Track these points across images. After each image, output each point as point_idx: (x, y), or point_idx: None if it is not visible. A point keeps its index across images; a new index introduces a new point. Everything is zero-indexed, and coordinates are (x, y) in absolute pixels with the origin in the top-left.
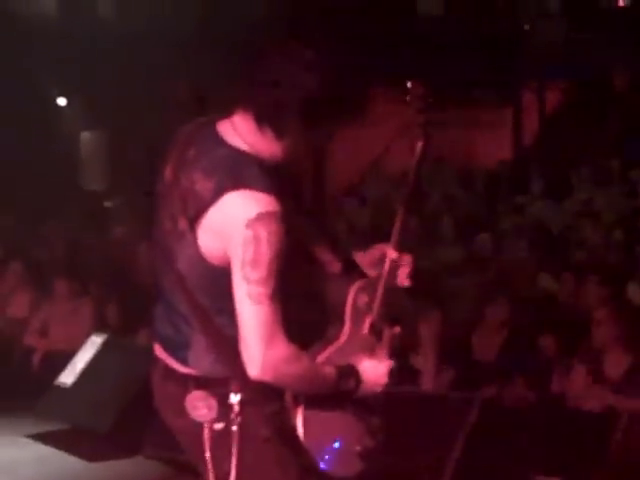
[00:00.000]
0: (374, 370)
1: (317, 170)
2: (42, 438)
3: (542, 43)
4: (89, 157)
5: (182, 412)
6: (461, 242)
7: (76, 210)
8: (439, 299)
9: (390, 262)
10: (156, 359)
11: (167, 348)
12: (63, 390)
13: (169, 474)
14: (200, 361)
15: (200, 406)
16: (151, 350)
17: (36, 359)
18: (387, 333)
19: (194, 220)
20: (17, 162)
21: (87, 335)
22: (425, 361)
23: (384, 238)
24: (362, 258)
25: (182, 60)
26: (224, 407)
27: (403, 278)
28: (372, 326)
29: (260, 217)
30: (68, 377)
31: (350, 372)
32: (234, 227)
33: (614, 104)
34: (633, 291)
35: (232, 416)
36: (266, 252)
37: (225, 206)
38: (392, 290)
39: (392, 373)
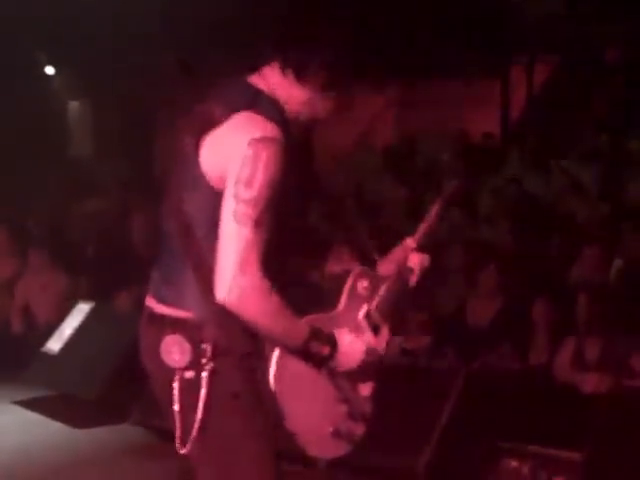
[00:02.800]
0: (352, 345)
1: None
2: (29, 405)
3: (532, 17)
4: (77, 125)
5: (157, 357)
6: (448, 216)
7: (63, 178)
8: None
9: (408, 251)
10: (144, 309)
11: (152, 292)
12: (50, 357)
13: (155, 441)
14: (179, 299)
15: (174, 350)
16: (138, 317)
17: (15, 326)
18: (383, 331)
19: (199, 137)
20: (4, 131)
21: (72, 302)
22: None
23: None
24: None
25: (168, 28)
26: (197, 354)
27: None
28: (368, 315)
29: (264, 139)
30: (55, 344)
31: (326, 339)
32: (237, 144)
33: (604, 80)
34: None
35: (203, 362)
36: (262, 174)
37: (232, 124)
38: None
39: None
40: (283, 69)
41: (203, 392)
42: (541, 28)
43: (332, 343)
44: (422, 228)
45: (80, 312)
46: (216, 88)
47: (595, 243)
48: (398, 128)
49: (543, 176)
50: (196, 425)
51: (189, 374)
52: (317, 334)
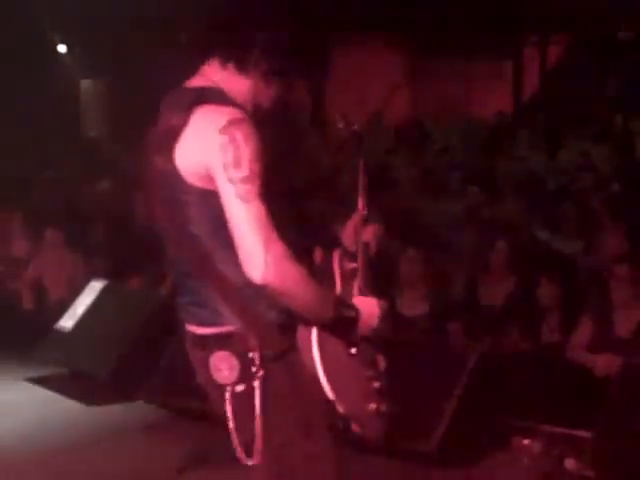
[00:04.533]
0: (367, 304)
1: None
2: (42, 382)
3: None
4: (89, 104)
5: (208, 376)
6: (459, 195)
7: (75, 157)
8: (438, 250)
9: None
10: (186, 333)
11: (189, 316)
12: (63, 335)
13: (166, 419)
14: (216, 318)
15: (223, 367)
16: (150, 296)
17: (27, 302)
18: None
19: (170, 151)
20: (17, 109)
21: (86, 281)
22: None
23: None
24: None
25: (181, 9)
26: (245, 365)
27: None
28: (360, 290)
29: (231, 122)
30: (68, 322)
31: (347, 303)
32: (208, 138)
33: (616, 58)
34: None
35: (253, 370)
36: (245, 152)
37: (195, 123)
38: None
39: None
40: (223, 64)
41: (257, 402)
42: (554, 5)
43: (353, 306)
44: (361, 200)
45: (93, 290)
46: (164, 100)
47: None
48: (411, 106)
49: (554, 155)
50: (258, 435)
51: (240, 387)
52: (341, 299)
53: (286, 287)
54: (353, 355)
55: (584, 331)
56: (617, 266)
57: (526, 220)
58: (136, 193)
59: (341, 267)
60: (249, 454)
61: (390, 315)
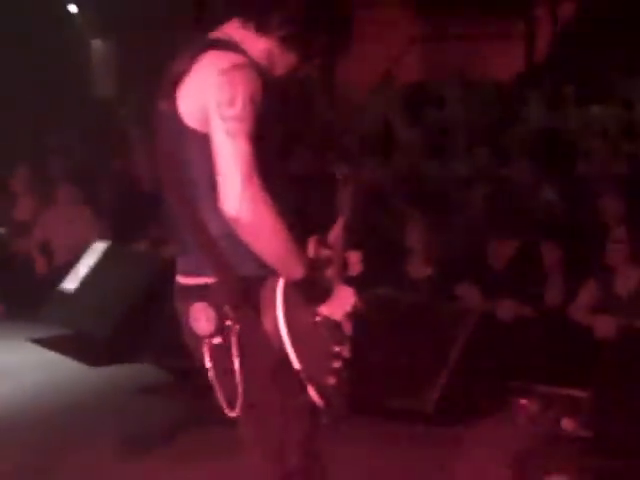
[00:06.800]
0: (343, 290)
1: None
2: (44, 343)
3: None
4: (100, 64)
5: (188, 328)
6: (470, 154)
7: (87, 117)
8: (447, 211)
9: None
10: (175, 284)
11: (178, 267)
12: (66, 295)
13: (168, 380)
14: (197, 268)
15: (200, 318)
16: (152, 257)
17: (39, 265)
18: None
19: (173, 91)
20: (28, 69)
21: (89, 242)
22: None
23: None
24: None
25: None
26: (221, 318)
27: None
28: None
29: (234, 66)
30: (71, 283)
31: (321, 271)
32: (209, 79)
33: (628, 18)
34: None
35: (227, 324)
36: (241, 92)
37: (200, 66)
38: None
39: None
40: (244, 23)
41: (235, 354)
42: None
43: (327, 279)
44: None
45: (96, 251)
46: (181, 48)
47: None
48: (422, 65)
49: (565, 116)
50: (239, 388)
51: (217, 340)
52: (315, 264)
53: (257, 226)
54: (317, 323)
55: (586, 293)
56: (617, 228)
57: (533, 182)
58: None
59: (316, 254)
60: (232, 406)
61: (394, 275)
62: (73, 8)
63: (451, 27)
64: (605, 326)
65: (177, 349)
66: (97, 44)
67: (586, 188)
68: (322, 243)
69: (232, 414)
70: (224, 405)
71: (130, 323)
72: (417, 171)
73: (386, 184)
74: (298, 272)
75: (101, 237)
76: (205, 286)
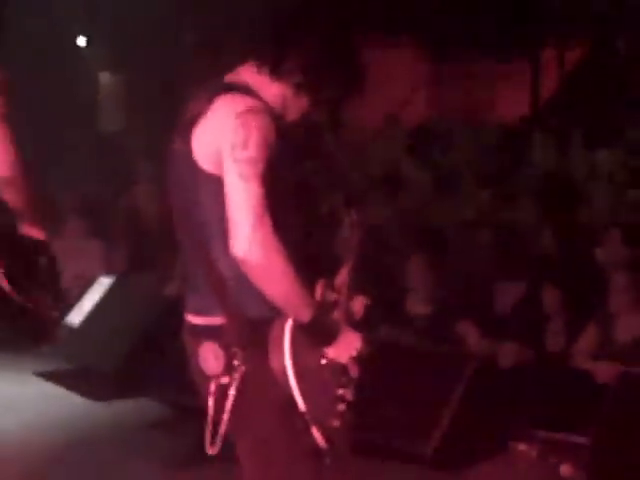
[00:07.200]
0: (349, 334)
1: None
2: (48, 376)
3: None
4: (107, 98)
5: (197, 367)
6: (476, 198)
7: (92, 151)
8: (452, 253)
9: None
10: (184, 322)
11: (187, 305)
12: (70, 330)
13: (172, 416)
14: (207, 308)
15: (209, 357)
16: (158, 292)
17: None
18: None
19: (188, 133)
20: (35, 101)
21: (95, 276)
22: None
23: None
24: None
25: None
26: (229, 358)
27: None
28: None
29: (250, 110)
30: (76, 317)
31: (328, 314)
32: (224, 121)
33: (634, 64)
34: None
35: (235, 364)
36: (255, 136)
37: (215, 109)
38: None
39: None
40: (259, 67)
41: (232, 392)
42: (573, 4)
43: (334, 322)
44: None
45: (101, 285)
46: (195, 90)
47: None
48: (428, 107)
49: (570, 161)
50: (223, 424)
51: (224, 379)
52: (322, 307)
53: (266, 268)
54: (323, 365)
55: (587, 338)
56: (617, 273)
57: (536, 225)
58: (151, 189)
59: (323, 295)
60: (214, 443)
61: (396, 314)
62: (82, 41)
63: (458, 69)
64: (605, 372)
65: (182, 385)
66: (105, 77)
67: (589, 233)
68: (329, 286)
69: (210, 451)
70: (208, 441)
71: (135, 358)
72: (421, 212)
73: (390, 224)
74: (306, 314)
75: (107, 271)
76: (215, 326)
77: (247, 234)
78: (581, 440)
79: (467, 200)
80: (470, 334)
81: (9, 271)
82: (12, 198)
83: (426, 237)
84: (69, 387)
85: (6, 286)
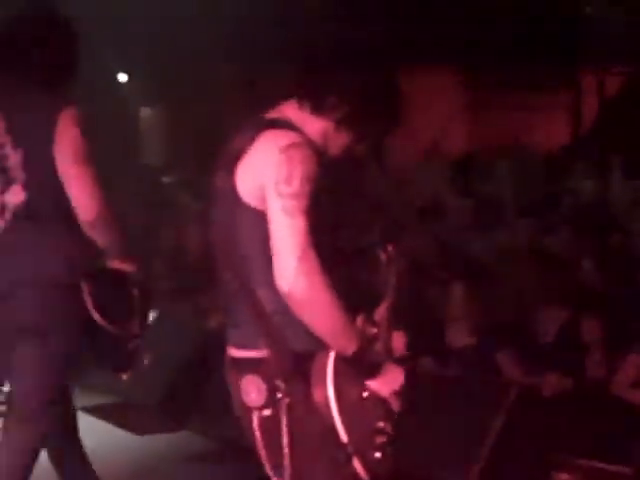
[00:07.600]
0: (393, 369)
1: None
2: (90, 410)
3: (604, 26)
4: (148, 133)
5: (239, 400)
6: (516, 227)
7: (134, 185)
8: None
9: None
10: (225, 357)
11: (229, 338)
12: None
13: (215, 449)
14: (249, 341)
15: (251, 390)
16: (200, 326)
17: None
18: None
19: (232, 169)
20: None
21: None
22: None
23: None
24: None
25: (237, 42)
26: (272, 391)
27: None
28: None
29: (293, 145)
30: None
31: (372, 346)
32: (267, 156)
33: None
34: None
35: (279, 397)
36: (299, 170)
37: (258, 144)
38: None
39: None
40: (300, 104)
41: (284, 429)
42: (614, 36)
43: (377, 354)
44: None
45: None
46: (237, 126)
47: None
48: (468, 136)
49: (610, 189)
50: (286, 461)
51: (267, 412)
52: (367, 340)
53: (312, 301)
54: (365, 398)
55: (629, 368)
56: None
57: (577, 253)
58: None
59: (364, 330)
60: (278, 476)
61: (437, 345)
62: (123, 77)
63: (498, 98)
64: None
65: (224, 418)
66: (146, 112)
67: (631, 261)
68: (369, 321)
69: None
70: (271, 475)
71: (177, 391)
72: (462, 241)
73: (429, 254)
74: (350, 347)
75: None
76: (257, 360)
77: (293, 267)
78: (624, 470)
79: (507, 229)
80: (510, 364)
81: (99, 301)
82: (100, 238)
83: (467, 267)
84: (112, 421)
85: (96, 315)
